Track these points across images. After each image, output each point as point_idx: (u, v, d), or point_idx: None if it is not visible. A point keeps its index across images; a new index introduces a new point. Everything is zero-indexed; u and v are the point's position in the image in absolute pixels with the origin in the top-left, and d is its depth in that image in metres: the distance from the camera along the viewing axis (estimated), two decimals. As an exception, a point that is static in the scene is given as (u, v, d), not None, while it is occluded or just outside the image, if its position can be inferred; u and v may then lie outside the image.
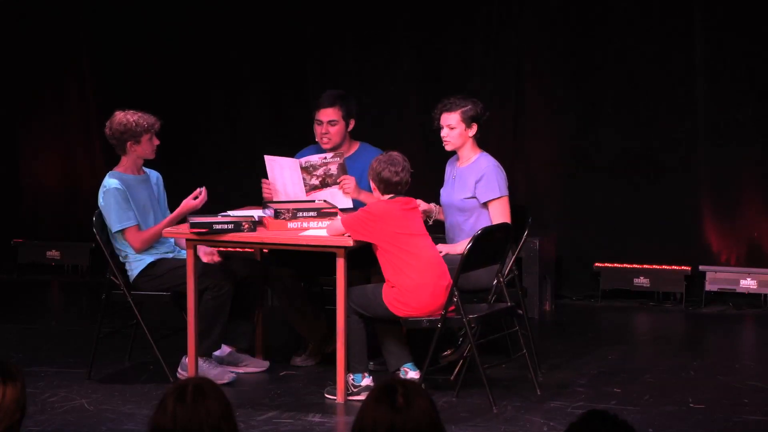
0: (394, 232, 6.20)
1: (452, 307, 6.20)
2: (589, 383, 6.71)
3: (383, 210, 6.26)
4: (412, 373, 6.32)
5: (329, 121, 7.06)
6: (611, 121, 8.80)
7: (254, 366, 6.97)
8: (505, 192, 6.72)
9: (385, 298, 6.25)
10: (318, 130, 7.11)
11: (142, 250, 6.73)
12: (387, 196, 6.31)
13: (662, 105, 8.70)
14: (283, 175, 6.94)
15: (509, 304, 6.46)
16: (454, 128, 6.75)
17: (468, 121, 6.74)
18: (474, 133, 6.76)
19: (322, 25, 9.27)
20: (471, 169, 6.75)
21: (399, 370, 6.39)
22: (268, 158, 6.99)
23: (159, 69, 9.53)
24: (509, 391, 6.45)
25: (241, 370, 6.87)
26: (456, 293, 6.13)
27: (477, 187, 6.69)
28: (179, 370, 6.72)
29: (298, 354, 7.13)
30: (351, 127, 7.15)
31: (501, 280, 6.46)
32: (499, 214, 6.67)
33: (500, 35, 8.88)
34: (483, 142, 8.93)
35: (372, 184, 6.36)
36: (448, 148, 6.81)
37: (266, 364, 7.02)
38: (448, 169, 6.94)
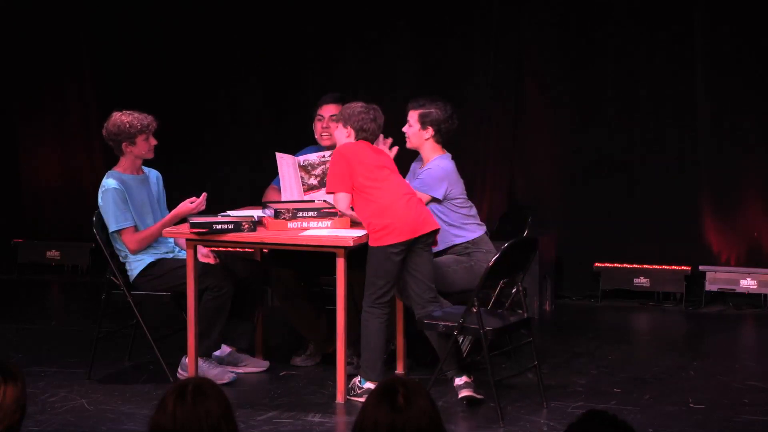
0: (363, 162, 6.29)
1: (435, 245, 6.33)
2: (589, 383, 6.71)
3: (353, 150, 6.37)
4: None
5: (331, 116, 7.07)
6: (611, 121, 8.80)
7: (254, 366, 6.97)
8: (433, 193, 6.65)
9: (372, 241, 6.25)
10: (318, 126, 7.13)
11: (138, 251, 6.73)
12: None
13: (662, 105, 8.70)
14: (290, 173, 6.95)
15: (525, 315, 6.44)
16: (411, 126, 6.77)
17: (424, 123, 6.74)
18: (429, 136, 6.74)
19: (322, 25, 9.27)
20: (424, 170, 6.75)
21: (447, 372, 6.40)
22: (278, 155, 7.00)
23: (159, 69, 9.53)
24: (509, 391, 6.45)
25: (241, 370, 6.87)
26: (476, 303, 6.08)
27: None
28: (179, 370, 6.72)
29: (298, 354, 7.13)
30: None
31: (520, 289, 6.43)
32: None
33: (500, 35, 8.88)
34: (483, 141, 8.98)
35: (347, 128, 6.43)
36: (407, 144, 6.83)
37: (266, 364, 7.02)
38: (412, 167, 6.95)
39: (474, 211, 6.82)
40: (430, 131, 6.74)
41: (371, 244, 6.28)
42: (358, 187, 6.31)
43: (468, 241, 6.70)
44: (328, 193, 6.45)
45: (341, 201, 6.36)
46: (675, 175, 8.71)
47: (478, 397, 6.25)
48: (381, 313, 6.30)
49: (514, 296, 6.51)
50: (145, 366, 7.05)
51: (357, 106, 6.47)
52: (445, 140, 6.78)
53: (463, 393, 6.26)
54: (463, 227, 6.72)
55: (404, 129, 6.80)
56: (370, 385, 6.26)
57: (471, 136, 8.91)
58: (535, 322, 8.07)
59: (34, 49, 9.81)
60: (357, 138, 6.42)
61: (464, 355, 6.57)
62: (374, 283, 6.29)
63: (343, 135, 6.46)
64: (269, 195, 7.20)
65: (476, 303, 6.04)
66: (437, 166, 6.72)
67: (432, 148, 6.77)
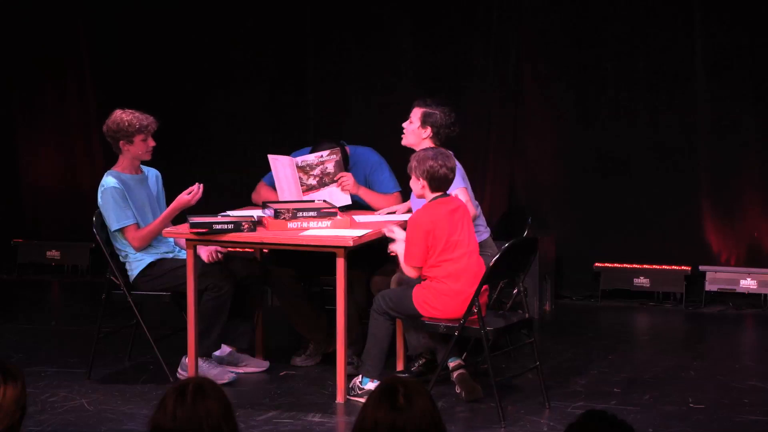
0: (438, 236, 6.08)
1: (473, 317, 6.09)
2: (589, 383, 6.71)
3: (431, 220, 6.08)
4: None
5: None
6: (611, 121, 8.80)
7: (254, 366, 6.97)
8: (462, 184, 6.56)
9: (415, 298, 6.17)
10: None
11: (141, 248, 6.74)
12: (434, 195, 6.15)
13: (662, 105, 8.70)
14: (287, 174, 6.94)
15: (527, 315, 6.43)
16: (412, 123, 6.74)
17: (425, 122, 6.70)
18: (427, 136, 6.69)
19: (321, 24, 9.27)
20: None
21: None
22: (271, 157, 6.99)
23: (159, 69, 9.53)
24: (510, 391, 6.45)
25: (241, 370, 6.87)
26: (477, 302, 6.06)
27: None
28: (179, 370, 6.72)
29: (298, 354, 7.13)
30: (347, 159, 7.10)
31: (521, 289, 6.42)
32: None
33: (500, 35, 8.87)
34: (483, 142, 8.98)
35: (420, 181, 6.13)
36: (403, 141, 6.78)
37: (266, 364, 7.02)
38: None
39: (481, 210, 6.81)
40: (428, 131, 6.72)
41: (415, 291, 6.18)
42: (435, 255, 6.11)
43: None
44: (405, 264, 6.18)
45: (412, 273, 6.21)
46: (675, 175, 8.71)
47: (474, 384, 6.24)
48: (389, 319, 6.33)
49: (515, 297, 6.50)
50: (145, 366, 7.05)
51: (428, 154, 6.17)
52: (443, 144, 6.75)
53: (457, 373, 6.27)
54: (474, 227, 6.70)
55: (404, 124, 6.77)
56: (371, 385, 6.25)
57: (470, 137, 8.90)
58: (535, 322, 8.07)
59: (34, 49, 9.81)
60: (431, 188, 6.12)
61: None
62: (397, 308, 6.26)
63: (418, 187, 6.17)
64: (260, 192, 7.20)
65: (478, 303, 6.04)
66: None
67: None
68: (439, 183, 6.11)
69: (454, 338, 6.14)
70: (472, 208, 6.54)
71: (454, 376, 6.36)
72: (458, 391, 6.34)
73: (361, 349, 6.84)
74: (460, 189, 6.52)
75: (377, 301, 6.31)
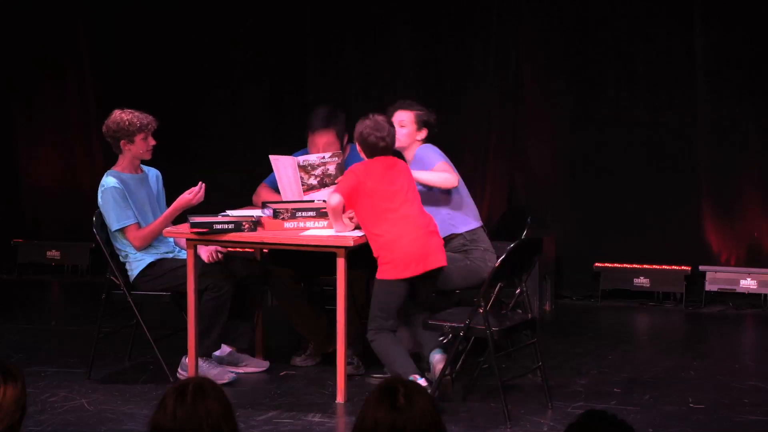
0: (374, 187, 6.21)
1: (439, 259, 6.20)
2: (589, 383, 6.71)
3: (364, 167, 6.29)
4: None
5: (325, 143, 7.02)
6: (611, 121, 8.80)
7: (254, 366, 6.97)
8: (435, 160, 6.61)
9: (379, 273, 6.22)
10: (314, 151, 7.06)
11: (142, 247, 6.74)
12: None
13: (662, 105, 8.70)
14: (288, 174, 6.94)
15: (530, 315, 6.42)
16: (404, 126, 6.74)
17: (420, 123, 6.74)
18: (423, 137, 6.74)
19: (321, 24, 9.27)
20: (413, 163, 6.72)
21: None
22: (272, 158, 6.99)
23: (159, 68, 9.53)
24: (510, 392, 6.44)
25: (241, 370, 6.87)
26: (483, 304, 6.04)
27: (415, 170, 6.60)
28: (179, 370, 6.72)
29: (298, 354, 7.13)
30: (345, 141, 7.11)
31: (524, 290, 6.42)
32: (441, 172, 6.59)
33: (500, 35, 8.88)
34: (483, 142, 8.98)
35: (357, 147, 6.37)
36: (396, 144, 6.77)
37: (266, 364, 7.02)
38: None
39: (467, 192, 6.78)
40: (424, 132, 6.74)
41: (377, 276, 6.25)
42: (375, 209, 6.23)
43: (464, 235, 6.65)
44: (333, 191, 6.34)
45: (334, 199, 6.28)
46: (675, 175, 8.71)
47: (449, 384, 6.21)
48: (387, 332, 6.28)
49: (518, 297, 6.50)
50: (145, 366, 7.05)
51: (364, 122, 6.34)
52: (432, 141, 6.78)
53: (440, 366, 6.20)
54: (460, 214, 6.67)
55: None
56: (421, 381, 5.96)
57: (470, 137, 8.91)
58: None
59: (34, 49, 9.81)
60: (369, 154, 6.31)
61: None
62: (376, 315, 6.27)
63: (361, 154, 6.40)
64: (260, 193, 7.20)
65: (483, 303, 6.02)
66: (422, 147, 6.71)
67: (416, 146, 6.77)
68: (371, 149, 6.29)
69: (459, 339, 6.12)
70: (455, 176, 6.56)
71: (438, 371, 6.20)
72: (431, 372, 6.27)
73: (361, 349, 6.84)
74: (440, 163, 6.55)
75: (369, 325, 6.28)
